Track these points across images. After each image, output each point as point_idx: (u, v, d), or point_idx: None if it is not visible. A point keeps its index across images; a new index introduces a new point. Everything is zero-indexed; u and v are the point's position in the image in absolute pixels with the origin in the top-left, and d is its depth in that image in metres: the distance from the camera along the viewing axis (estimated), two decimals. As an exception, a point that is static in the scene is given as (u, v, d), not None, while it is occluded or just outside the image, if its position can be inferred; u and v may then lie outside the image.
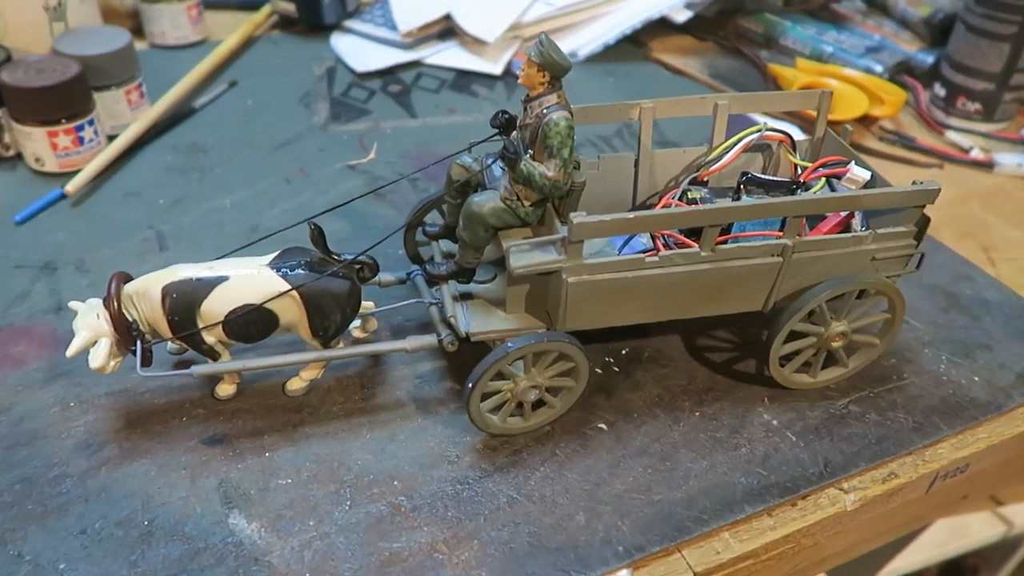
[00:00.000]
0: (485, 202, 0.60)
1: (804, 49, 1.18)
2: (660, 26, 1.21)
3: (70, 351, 0.58)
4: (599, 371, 0.68)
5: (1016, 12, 0.98)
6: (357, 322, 0.68)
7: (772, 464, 0.62)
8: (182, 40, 1.14)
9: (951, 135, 1.05)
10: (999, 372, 0.71)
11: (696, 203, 0.66)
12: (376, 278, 0.65)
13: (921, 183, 0.61)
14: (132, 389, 0.64)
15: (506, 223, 0.60)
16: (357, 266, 0.61)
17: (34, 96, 0.83)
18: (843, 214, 0.65)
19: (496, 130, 0.63)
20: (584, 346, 0.60)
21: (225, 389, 0.64)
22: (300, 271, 0.59)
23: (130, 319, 0.59)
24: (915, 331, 0.74)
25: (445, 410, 0.64)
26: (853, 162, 0.66)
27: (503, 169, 0.60)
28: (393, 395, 0.66)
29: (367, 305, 0.66)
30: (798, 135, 0.74)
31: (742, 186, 0.67)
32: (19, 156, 0.89)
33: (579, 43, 1.17)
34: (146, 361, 0.60)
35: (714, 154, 0.69)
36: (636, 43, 1.21)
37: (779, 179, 0.67)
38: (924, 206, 0.62)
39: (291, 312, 0.60)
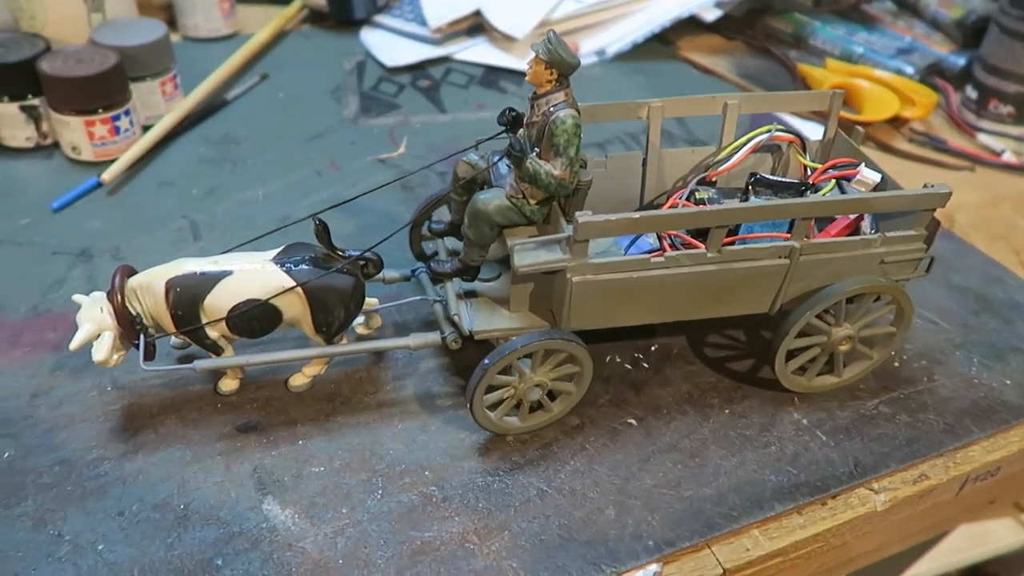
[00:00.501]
0: (491, 200, 0.59)
1: (834, 50, 1.18)
2: (689, 25, 1.21)
3: (73, 344, 0.58)
4: (628, 367, 0.69)
5: (1052, 15, 0.97)
6: (361, 318, 0.68)
7: (802, 463, 0.62)
8: (214, 33, 1.15)
9: (983, 138, 1.04)
10: (1031, 376, 0.70)
11: (704, 203, 0.65)
12: (380, 274, 0.64)
13: (932, 186, 0.60)
14: (167, 375, 0.65)
15: (511, 221, 0.60)
16: (361, 262, 0.61)
17: (73, 86, 0.84)
18: (852, 216, 0.64)
19: (503, 128, 0.62)
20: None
21: (228, 384, 0.64)
22: (304, 266, 0.59)
23: (134, 313, 0.59)
24: (946, 333, 0.74)
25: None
26: (863, 164, 0.66)
27: (509, 167, 0.59)
28: (424, 387, 0.66)
29: (371, 301, 0.66)
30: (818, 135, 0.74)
31: (750, 187, 0.66)
32: (56, 145, 0.91)
33: (608, 41, 1.17)
34: (149, 355, 0.60)
35: (723, 154, 0.69)
36: (664, 42, 1.21)
37: (788, 180, 0.67)
38: (934, 209, 0.61)
39: (295, 307, 0.60)
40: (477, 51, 1.15)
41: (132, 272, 0.60)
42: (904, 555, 1.11)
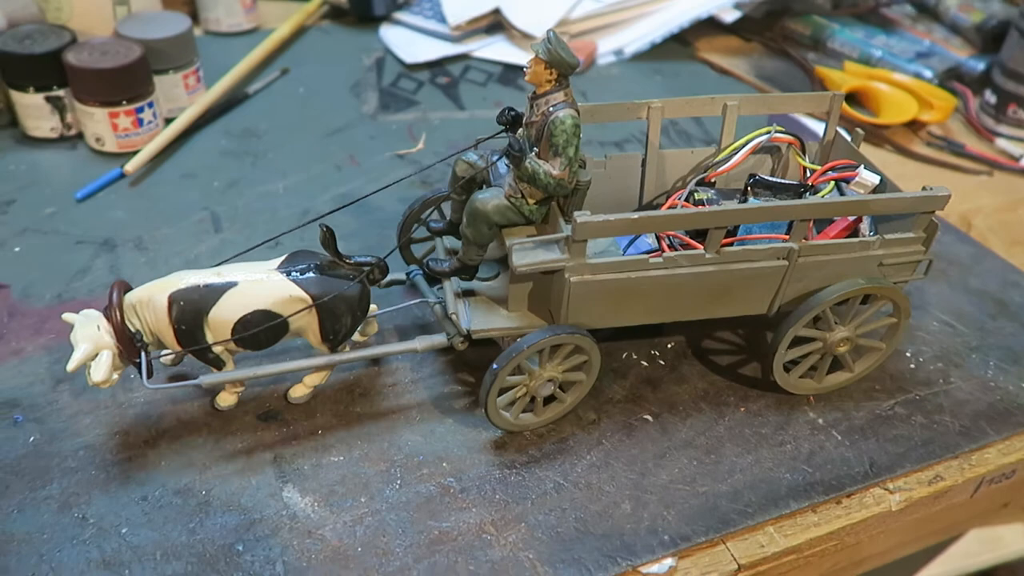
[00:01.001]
0: (489, 199, 0.59)
1: (852, 52, 1.18)
2: (707, 26, 1.21)
3: (71, 365, 0.54)
4: (645, 364, 0.69)
5: (1073, 20, 0.97)
6: None
7: (817, 462, 0.62)
8: (235, 27, 1.16)
9: (1001, 142, 1.04)
10: (1048, 380, 0.70)
11: (702, 204, 0.65)
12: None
13: (930, 189, 0.60)
14: (190, 363, 0.66)
15: (510, 221, 0.60)
16: (367, 268, 0.60)
17: (98, 77, 0.85)
18: (851, 218, 0.64)
19: (502, 127, 0.62)
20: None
21: (226, 399, 0.62)
22: (311, 274, 0.58)
23: (133, 330, 0.56)
24: (963, 336, 0.74)
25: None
26: (863, 166, 0.66)
27: (508, 166, 0.59)
28: (441, 380, 0.67)
29: (371, 308, 0.65)
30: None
31: (749, 188, 0.66)
32: (80, 136, 0.92)
33: (626, 40, 1.17)
34: (150, 373, 0.57)
35: (722, 155, 0.69)
36: (683, 42, 1.21)
37: (787, 182, 0.66)
38: (933, 212, 0.61)
39: (302, 317, 0.58)
40: (496, 49, 1.16)
41: (128, 288, 0.58)
42: (914, 559, 1.11)
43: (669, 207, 0.66)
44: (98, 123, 0.88)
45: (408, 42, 1.15)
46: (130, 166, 0.86)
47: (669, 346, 0.71)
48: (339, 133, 0.97)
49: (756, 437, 0.64)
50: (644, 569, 0.55)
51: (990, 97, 1.07)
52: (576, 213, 0.56)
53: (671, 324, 0.67)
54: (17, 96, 0.89)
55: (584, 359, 0.61)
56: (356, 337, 0.67)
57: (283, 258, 0.60)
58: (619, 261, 0.59)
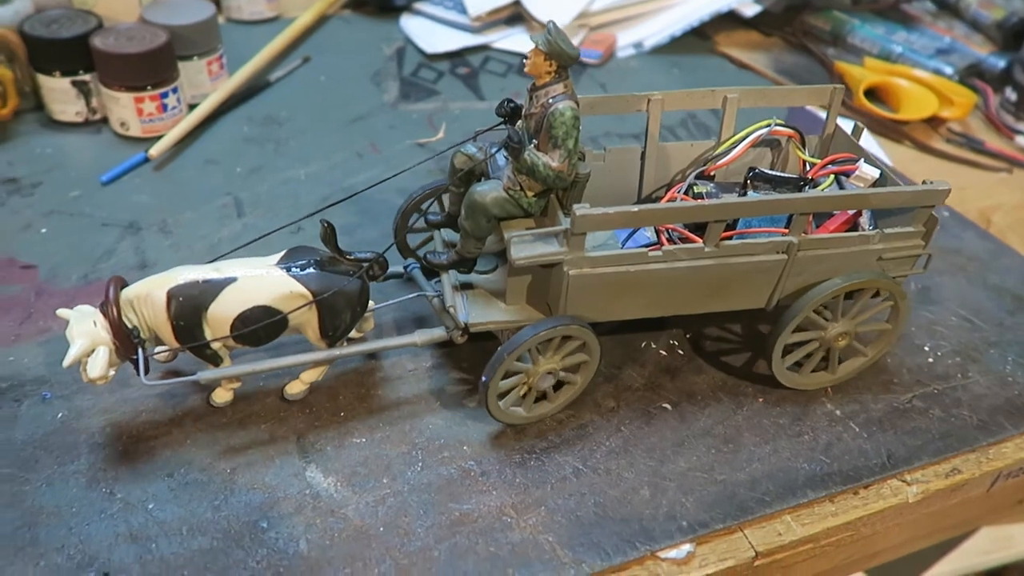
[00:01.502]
0: (488, 191, 0.58)
1: (872, 48, 1.17)
2: (726, 20, 1.21)
3: (67, 361, 0.54)
4: (664, 353, 0.70)
5: (1097, 18, 0.96)
6: None
7: (835, 453, 0.63)
8: (256, 16, 1.16)
9: (1021, 140, 1.04)
10: (1066, 376, 0.70)
11: (702, 198, 0.65)
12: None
13: (930, 183, 0.60)
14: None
15: (509, 213, 0.59)
16: (366, 264, 0.60)
17: (124, 62, 0.86)
18: (850, 212, 0.64)
19: (501, 119, 0.62)
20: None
21: (222, 396, 0.62)
22: (311, 270, 0.58)
23: (130, 326, 0.56)
24: (981, 332, 0.74)
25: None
26: (862, 159, 0.65)
27: (507, 159, 0.59)
28: (461, 365, 0.67)
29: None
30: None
31: (749, 181, 0.66)
32: (105, 120, 0.93)
33: (645, 33, 1.17)
34: (146, 369, 0.57)
35: (722, 148, 0.69)
36: (702, 36, 1.22)
37: (786, 175, 0.66)
38: (933, 206, 0.61)
39: (301, 313, 0.58)
40: (516, 40, 1.16)
41: (124, 284, 0.57)
42: (926, 554, 1.11)
43: (668, 200, 0.66)
44: (123, 108, 0.89)
45: (428, 32, 1.16)
46: (154, 150, 0.87)
47: (688, 336, 0.71)
48: (360, 121, 0.98)
49: (774, 427, 0.64)
50: (662, 554, 0.56)
51: (1010, 94, 1.07)
52: (575, 206, 0.55)
53: (686, 316, 0.68)
54: (43, 80, 0.90)
55: (581, 343, 0.60)
56: (352, 333, 0.66)
57: (282, 253, 0.59)
58: (618, 255, 0.58)
